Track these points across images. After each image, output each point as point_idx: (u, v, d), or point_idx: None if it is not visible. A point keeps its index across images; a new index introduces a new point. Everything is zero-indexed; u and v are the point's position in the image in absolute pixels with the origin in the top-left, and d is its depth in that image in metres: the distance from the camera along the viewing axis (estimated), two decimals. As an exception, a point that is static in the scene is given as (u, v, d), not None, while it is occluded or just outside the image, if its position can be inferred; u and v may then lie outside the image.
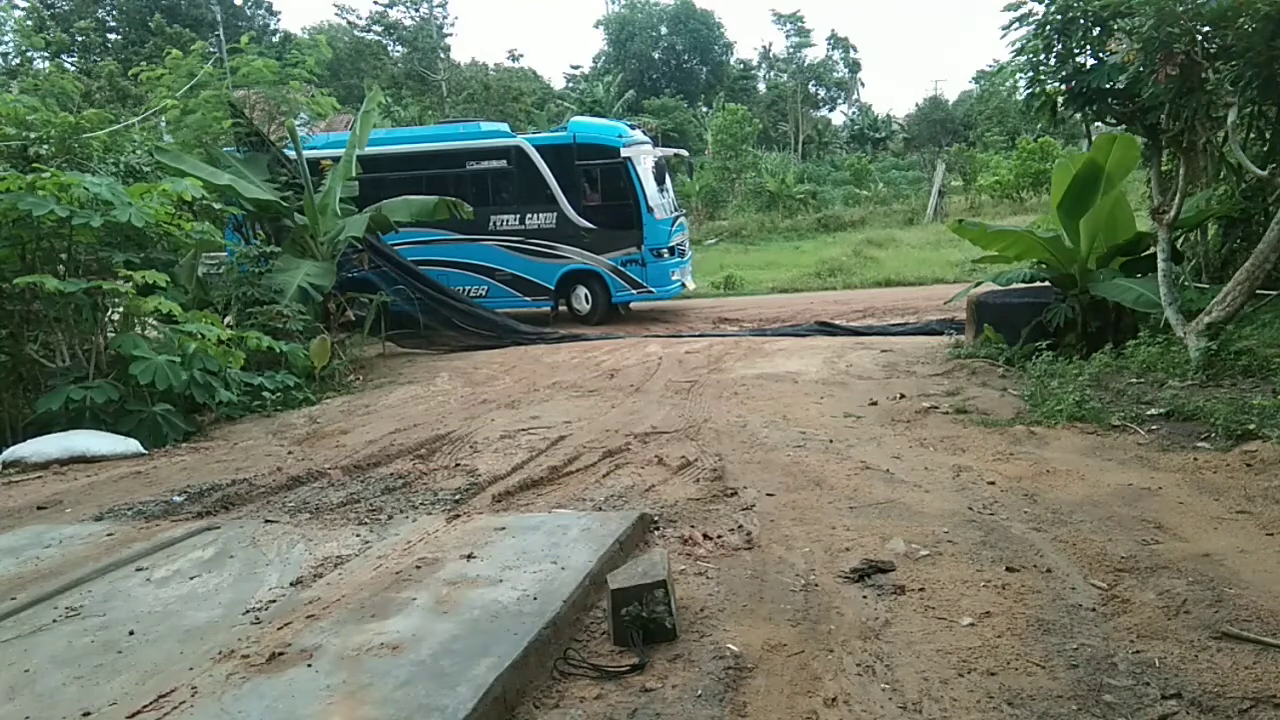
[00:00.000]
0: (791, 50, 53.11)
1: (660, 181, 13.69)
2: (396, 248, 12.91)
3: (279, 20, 45.88)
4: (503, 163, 13.15)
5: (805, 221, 27.28)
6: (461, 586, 3.04)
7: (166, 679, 2.50)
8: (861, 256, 18.42)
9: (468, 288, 13.21)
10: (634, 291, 12.87)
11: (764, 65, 54.56)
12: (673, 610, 2.74)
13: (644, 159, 12.97)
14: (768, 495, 4.26)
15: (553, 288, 13.10)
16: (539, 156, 12.84)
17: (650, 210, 12.69)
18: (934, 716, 2.28)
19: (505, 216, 13.17)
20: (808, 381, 7.44)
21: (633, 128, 14.31)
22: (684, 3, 52.10)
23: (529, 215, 13.07)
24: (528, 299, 13.20)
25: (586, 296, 13.08)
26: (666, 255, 12.96)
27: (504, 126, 14.61)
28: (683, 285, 13.55)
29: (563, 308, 13.36)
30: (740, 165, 30.50)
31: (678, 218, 14.20)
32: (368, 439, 6.17)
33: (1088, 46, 7.21)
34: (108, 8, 39.64)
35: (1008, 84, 13.38)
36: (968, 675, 2.47)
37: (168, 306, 6.87)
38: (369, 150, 13.32)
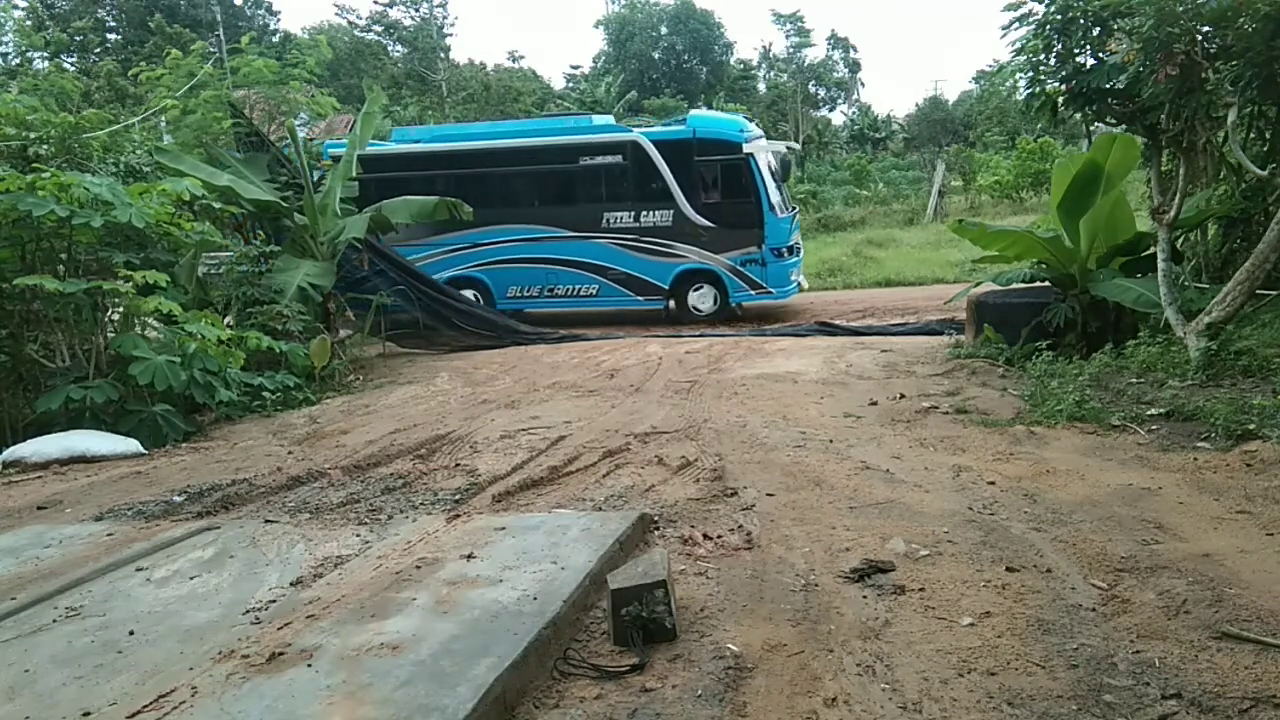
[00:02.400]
0: (791, 50, 53.12)
1: (784, 177, 13.52)
2: (504, 244, 12.81)
3: (279, 20, 45.89)
4: (617, 158, 12.80)
5: (805, 221, 27.26)
6: (461, 586, 3.04)
7: (166, 679, 2.50)
8: (861, 256, 18.42)
9: (577, 286, 12.99)
10: (753, 292, 12.59)
11: (764, 65, 54.54)
12: (673, 610, 2.74)
13: (763, 154, 12.64)
14: (768, 495, 4.26)
15: (666, 287, 12.80)
16: (656, 152, 12.50)
17: (772, 208, 12.41)
18: (934, 716, 2.28)
19: (618, 214, 12.84)
20: (808, 381, 7.44)
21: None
22: (684, 3, 52.06)
23: (644, 212, 12.72)
24: (640, 298, 12.90)
25: (715, 297, 12.79)
26: (786, 255, 12.72)
27: (610, 119, 14.33)
28: (798, 285, 13.27)
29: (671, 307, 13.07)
30: (740, 165, 30.40)
31: (794, 215, 13.93)
32: (368, 439, 6.17)
33: (1088, 46, 7.20)
34: (108, 8, 39.63)
35: (1008, 84, 13.37)
36: (968, 675, 2.47)
37: (168, 306, 6.87)
38: (472, 144, 13.13)
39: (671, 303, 12.98)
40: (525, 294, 13.21)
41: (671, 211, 12.60)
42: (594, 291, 13.01)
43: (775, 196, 12.55)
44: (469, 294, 13.19)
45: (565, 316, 13.43)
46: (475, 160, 12.93)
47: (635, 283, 12.88)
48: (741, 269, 12.48)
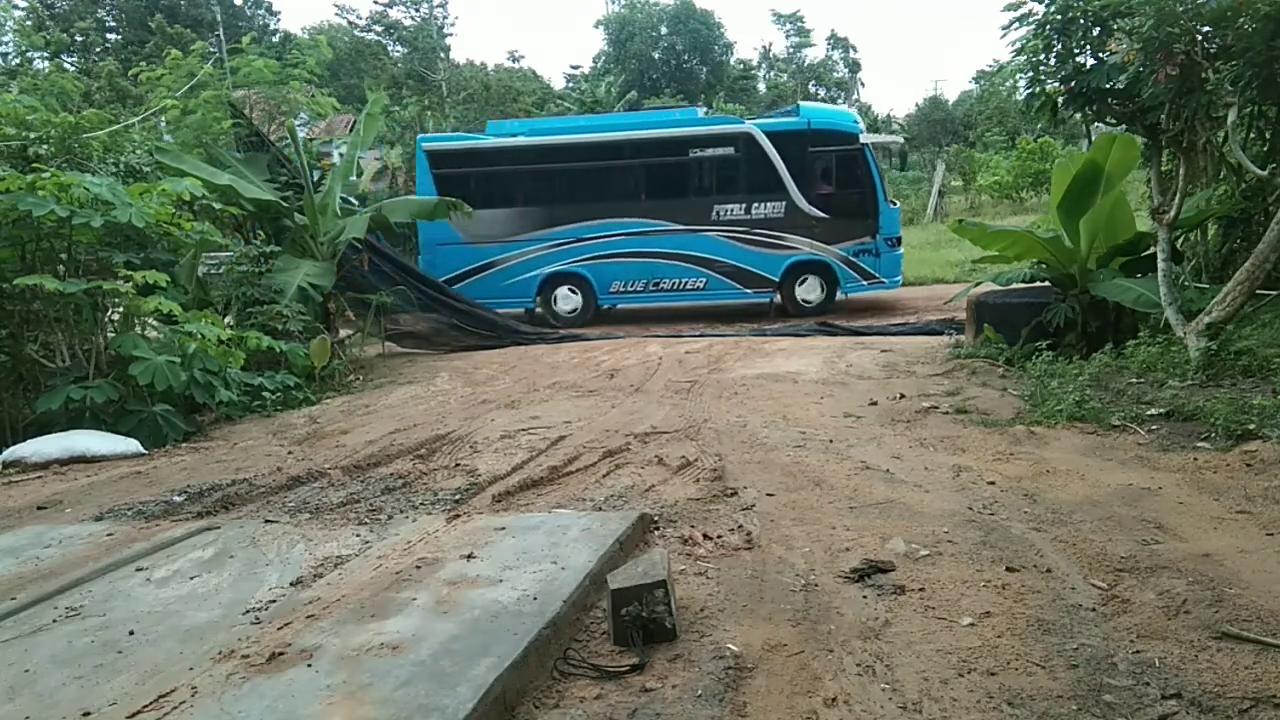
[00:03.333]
0: (791, 50, 53.18)
1: (903, 167, 13.49)
2: (608, 239, 12.77)
3: (279, 20, 45.96)
4: (730, 150, 12.74)
5: (805, 221, 27.23)
6: (461, 586, 3.04)
7: (166, 679, 2.50)
8: (862, 256, 18.37)
9: (683, 280, 12.92)
10: (865, 283, 12.58)
11: (764, 65, 54.60)
12: (673, 610, 2.74)
13: (874, 145, 12.70)
14: (768, 495, 4.25)
15: (777, 279, 12.74)
16: (769, 143, 12.44)
17: (887, 198, 12.43)
18: (934, 716, 2.28)
19: (730, 206, 12.76)
20: (808, 381, 7.44)
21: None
22: (684, 3, 52.08)
23: (755, 204, 12.65)
24: (748, 291, 12.86)
25: (822, 288, 12.75)
26: (896, 245, 12.74)
27: (699, 110, 14.24)
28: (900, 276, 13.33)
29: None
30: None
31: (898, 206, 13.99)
32: (368, 439, 6.17)
33: (1088, 46, 7.21)
34: (108, 8, 39.65)
35: (1008, 84, 13.37)
36: (968, 675, 2.47)
37: (168, 306, 6.87)
38: (576, 138, 13.08)
39: (777, 295, 12.95)
40: (629, 289, 13.13)
41: (784, 203, 12.54)
42: (701, 285, 12.91)
43: (886, 187, 12.60)
44: (567, 290, 13.15)
45: (669, 312, 13.34)
46: (579, 154, 12.82)
47: (745, 275, 12.78)
48: (855, 259, 12.48)
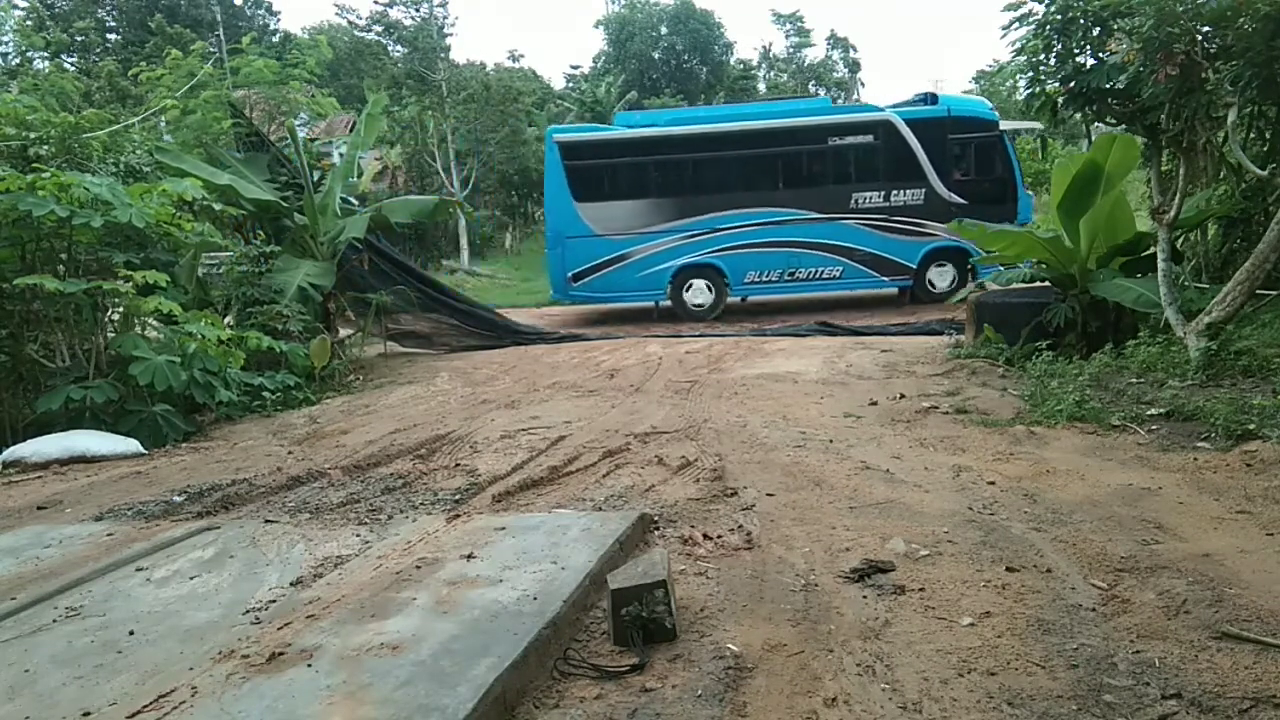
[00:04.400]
0: (791, 50, 53.14)
1: (1043, 155, 13.52)
2: (744, 229, 12.70)
3: (279, 20, 46.02)
4: (868, 138, 12.75)
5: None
6: (461, 586, 3.04)
7: (166, 679, 2.50)
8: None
9: (820, 269, 12.89)
10: (1002, 266, 12.77)
11: (764, 65, 54.56)
12: (673, 610, 2.74)
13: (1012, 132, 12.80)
14: (768, 495, 4.25)
15: (915, 266, 12.77)
16: (909, 131, 12.47)
17: (1024, 184, 12.45)
18: (934, 716, 2.28)
19: (868, 193, 12.77)
20: (808, 381, 7.44)
21: None
22: (684, 3, 52.05)
23: (894, 191, 12.65)
24: (885, 278, 12.87)
25: (954, 276, 12.77)
26: None
27: (825, 99, 14.27)
28: None
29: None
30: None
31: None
32: (368, 439, 6.16)
33: (1088, 46, 7.21)
34: (108, 8, 39.65)
35: (1008, 84, 13.41)
36: (968, 675, 2.47)
37: (168, 306, 6.87)
38: (711, 128, 13.04)
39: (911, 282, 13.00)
40: (764, 279, 13.10)
41: (923, 190, 12.55)
42: (838, 274, 12.89)
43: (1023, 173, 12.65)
44: (702, 283, 13.09)
45: (805, 302, 13.32)
46: (714, 144, 12.78)
47: (882, 263, 12.78)
48: None
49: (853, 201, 12.76)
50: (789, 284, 13.10)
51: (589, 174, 12.55)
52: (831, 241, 12.81)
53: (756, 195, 12.95)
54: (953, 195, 12.47)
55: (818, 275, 12.92)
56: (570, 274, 13.04)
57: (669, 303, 13.31)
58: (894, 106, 13.56)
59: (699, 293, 13.08)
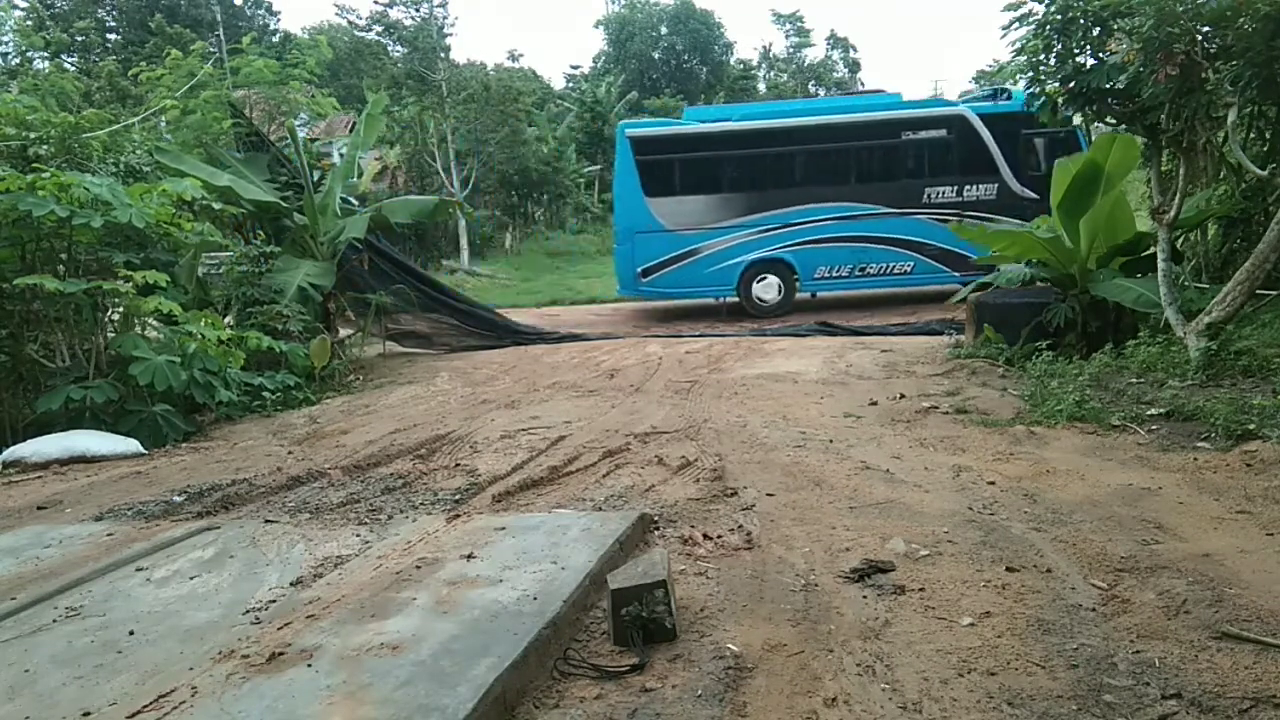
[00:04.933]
0: (791, 50, 53.16)
1: None
2: (815, 224, 12.63)
3: (279, 20, 46.04)
4: (942, 132, 12.68)
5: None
6: (461, 586, 3.04)
7: (166, 679, 2.50)
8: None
9: (891, 264, 12.79)
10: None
11: (764, 65, 54.59)
12: (673, 610, 2.74)
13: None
14: (768, 495, 4.25)
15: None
16: (983, 125, 12.38)
17: None
18: (934, 716, 2.28)
19: (941, 188, 12.68)
20: (808, 381, 7.44)
21: None
22: (684, 3, 52.09)
23: (967, 186, 12.55)
24: (956, 274, 12.67)
25: None
26: None
27: (897, 94, 14.20)
28: None
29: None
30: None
31: None
32: (368, 439, 6.17)
33: (1088, 46, 7.21)
34: (108, 8, 39.65)
35: (1007, 84, 13.39)
36: (968, 675, 2.47)
37: (168, 306, 6.87)
38: (784, 122, 13.04)
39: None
40: (834, 274, 13.05)
41: (996, 185, 12.46)
42: (909, 269, 12.80)
43: None
44: (771, 278, 13.02)
45: (876, 298, 13.19)
46: (786, 138, 12.75)
47: (954, 258, 12.65)
48: None
49: (925, 196, 12.67)
50: (859, 279, 13.03)
51: (661, 169, 12.52)
52: (903, 236, 12.73)
53: (828, 190, 12.90)
54: (1026, 190, 12.36)
55: (889, 271, 12.84)
56: (639, 269, 12.97)
57: (735, 299, 13.26)
58: (965, 100, 13.55)
59: (768, 288, 13.03)
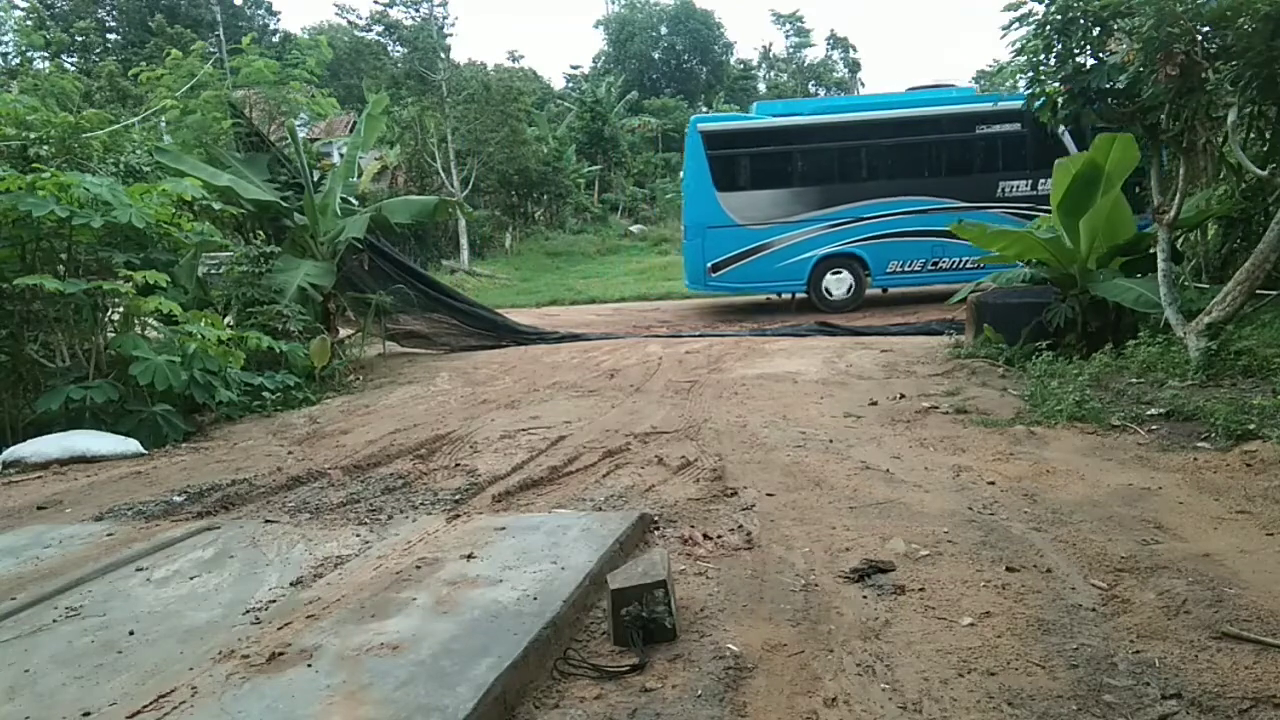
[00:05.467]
0: (791, 50, 53.16)
1: None
2: (887, 218, 12.53)
3: (279, 20, 46.06)
4: (1016, 126, 12.56)
5: (805, 221, 27.22)
6: (461, 586, 3.04)
7: (166, 679, 2.50)
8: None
9: (964, 259, 12.64)
10: None
11: (764, 65, 54.58)
12: (673, 610, 2.74)
13: None
14: (768, 495, 4.26)
15: None
16: None
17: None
18: (934, 716, 2.28)
19: (1014, 182, 12.60)
20: (808, 381, 7.44)
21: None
22: (684, 3, 52.10)
23: (1041, 180, 12.34)
24: None
25: None
26: None
27: (969, 87, 14.06)
28: None
29: None
30: (740, 165, 30.42)
31: None
32: (368, 439, 6.16)
33: (1088, 46, 7.21)
34: (108, 8, 39.67)
35: (1008, 84, 13.40)
36: (968, 675, 2.47)
37: (168, 306, 6.87)
38: (860, 116, 12.99)
39: None
40: (906, 269, 13.00)
41: None
42: (981, 264, 12.76)
43: None
44: (843, 273, 12.96)
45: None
46: (858, 132, 12.72)
47: None
48: (1144, 231, 12.50)
49: (999, 190, 12.61)
50: (932, 274, 12.97)
51: (732, 163, 12.48)
52: None
53: (900, 184, 12.84)
54: None
55: (962, 265, 12.73)
56: (709, 264, 12.92)
57: (805, 294, 13.20)
58: None
59: (840, 283, 12.99)
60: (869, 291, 13.56)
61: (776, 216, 12.83)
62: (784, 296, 14.04)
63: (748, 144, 12.96)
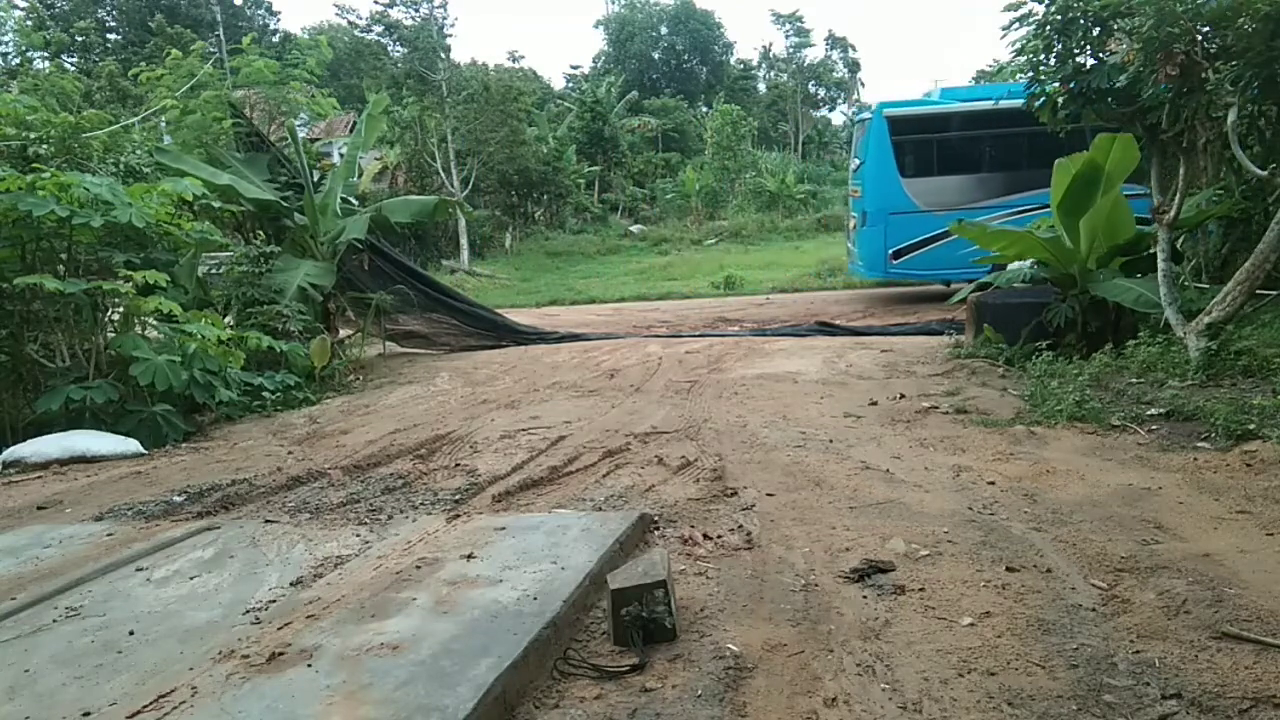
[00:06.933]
0: (791, 50, 53.05)
1: None
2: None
3: (279, 20, 46.04)
4: None
5: (805, 221, 27.35)
6: (461, 586, 3.04)
7: (166, 679, 2.50)
8: (862, 256, 18.39)
9: None
10: None
11: (764, 65, 54.51)
12: (673, 610, 2.74)
13: None
14: (768, 495, 4.26)
15: None
16: None
17: None
18: (934, 716, 2.28)
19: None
20: (808, 381, 7.44)
21: None
22: (684, 3, 52.09)
23: None
24: None
25: None
26: None
27: None
28: None
29: None
30: (739, 165, 30.49)
31: None
32: (368, 439, 6.16)
33: (1088, 46, 7.21)
34: (108, 8, 39.67)
35: (1007, 84, 13.37)
36: (968, 675, 2.47)
37: (168, 306, 6.86)
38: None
39: None
40: None
41: None
42: None
43: None
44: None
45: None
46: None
47: None
48: None
49: None
50: None
51: (917, 148, 12.33)
52: None
53: None
54: None
55: None
56: (891, 251, 12.75)
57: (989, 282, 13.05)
58: None
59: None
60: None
61: (962, 202, 12.53)
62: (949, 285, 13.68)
63: (934, 129, 12.75)
